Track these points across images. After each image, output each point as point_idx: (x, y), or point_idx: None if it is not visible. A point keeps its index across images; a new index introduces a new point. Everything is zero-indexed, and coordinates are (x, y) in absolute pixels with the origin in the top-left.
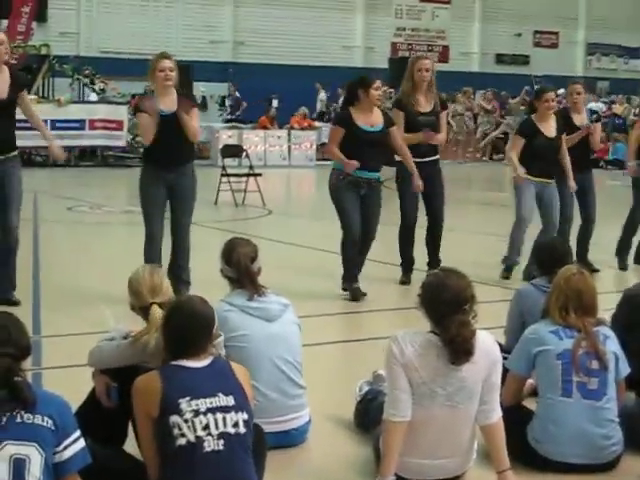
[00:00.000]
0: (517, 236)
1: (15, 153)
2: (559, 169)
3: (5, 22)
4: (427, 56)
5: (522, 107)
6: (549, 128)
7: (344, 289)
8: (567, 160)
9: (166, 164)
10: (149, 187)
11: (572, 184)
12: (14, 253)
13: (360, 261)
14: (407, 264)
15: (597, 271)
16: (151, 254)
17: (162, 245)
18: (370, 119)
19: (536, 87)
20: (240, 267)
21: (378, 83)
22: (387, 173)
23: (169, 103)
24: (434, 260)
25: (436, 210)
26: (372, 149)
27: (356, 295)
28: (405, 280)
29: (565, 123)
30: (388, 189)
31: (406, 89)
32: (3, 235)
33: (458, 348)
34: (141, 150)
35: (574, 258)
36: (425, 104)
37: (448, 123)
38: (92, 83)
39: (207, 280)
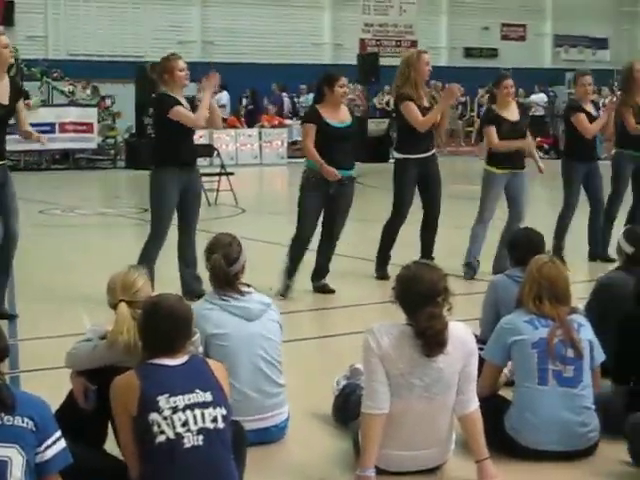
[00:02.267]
0: (479, 233)
1: (6, 162)
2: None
3: None
4: (426, 50)
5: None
6: (511, 113)
7: (285, 289)
8: (531, 144)
9: (185, 163)
10: (166, 188)
11: (541, 165)
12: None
13: (326, 262)
14: (385, 258)
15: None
16: (152, 254)
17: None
18: (338, 116)
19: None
20: (216, 271)
21: (343, 80)
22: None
23: (184, 102)
24: (428, 255)
25: (435, 205)
26: (342, 145)
27: (285, 291)
28: (384, 275)
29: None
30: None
31: (412, 82)
32: (5, 243)
33: (430, 340)
34: (111, 152)
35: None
36: (424, 99)
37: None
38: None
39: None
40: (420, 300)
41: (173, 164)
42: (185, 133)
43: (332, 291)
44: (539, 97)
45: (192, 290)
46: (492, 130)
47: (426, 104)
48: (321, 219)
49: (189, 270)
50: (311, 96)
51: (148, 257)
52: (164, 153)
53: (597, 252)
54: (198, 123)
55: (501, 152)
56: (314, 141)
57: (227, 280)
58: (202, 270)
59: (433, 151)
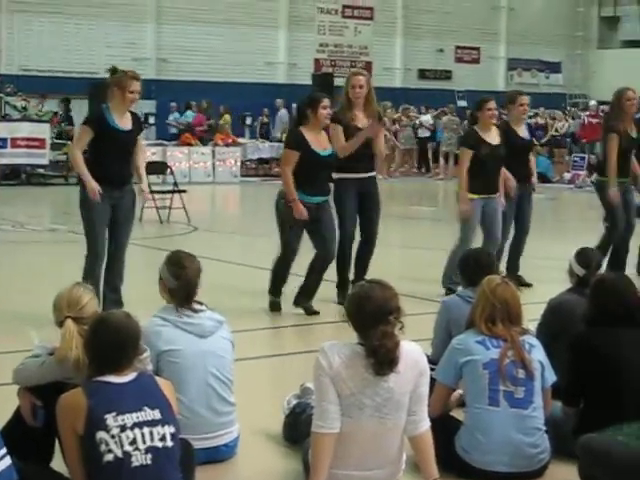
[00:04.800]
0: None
1: None
2: (499, 182)
3: None
4: (362, 72)
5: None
6: (492, 137)
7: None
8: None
9: (114, 181)
10: (95, 204)
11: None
12: None
13: (317, 285)
14: (345, 283)
15: (529, 285)
16: (95, 274)
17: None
18: (322, 142)
19: (459, 102)
20: (187, 286)
21: (326, 102)
22: None
23: (126, 121)
24: (361, 277)
25: (372, 227)
26: (324, 173)
27: (276, 307)
28: (343, 301)
29: (506, 136)
30: None
31: (344, 105)
32: None
33: (381, 358)
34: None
35: (502, 270)
36: (363, 119)
37: (385, 136)
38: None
39: (138, 298)
40: (371, 319)
41: (102, 180)
42: (111, 151)
43: (316, 312)
44: (426, 118)
45: None
46: (466, 154)
47: (360, 124)
48: (307, 242)
49: (111, 295)
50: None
51: (91, 274)
52: (93, 168)
53: None
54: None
55: (477, 177)
56: (298, 166)
57: (191, 296)
58: (125, 293)
59: (373, 173)
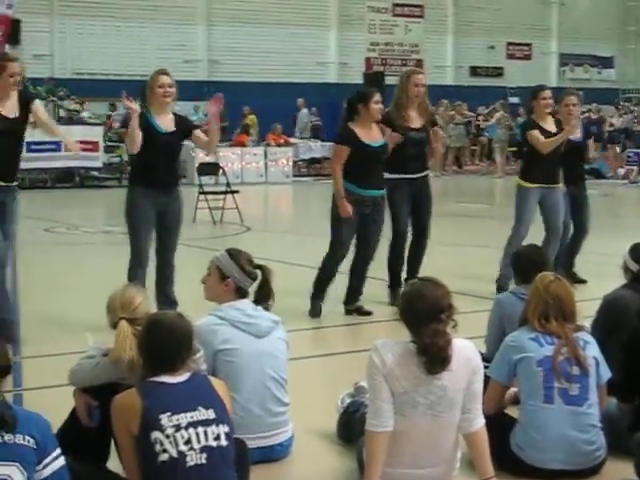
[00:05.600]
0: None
1: (16, 183)
2: (562, 171)
3: None
4: (421, 70)
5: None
6: (550, 126)
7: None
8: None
9: (159, 185)
10: (139, 206)
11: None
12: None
13: (361, 284)
14: (398, 283)
15: (584, 282)
16: (137, 276)
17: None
18: (372, 135)
19: (511, 99)
20: (269, 281)
21: (377, 97)
22: None
23: (168, 122)
24: (413, 276)
25: (424, 226)
26: (377, 165)
27: (316, 312)
28: (396, 301)
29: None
30: None
31: (399, 104)
32: None
33: (433, 357)
34: (128, 169)
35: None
36: (416, 120)
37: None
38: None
39: (191, 299)
40: (423, 317)
41: (146, 184)
42: (155, 154)
43: (369, 313)
44: None
45: None
46: (536, 133)
47: (416, 125)
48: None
49: (164, 300)
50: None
51: (134, 277)
52: (137, 171)
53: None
54: (130, 149)
55: (536, 166)
56: (350, 161)
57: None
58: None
59: (425, 173)
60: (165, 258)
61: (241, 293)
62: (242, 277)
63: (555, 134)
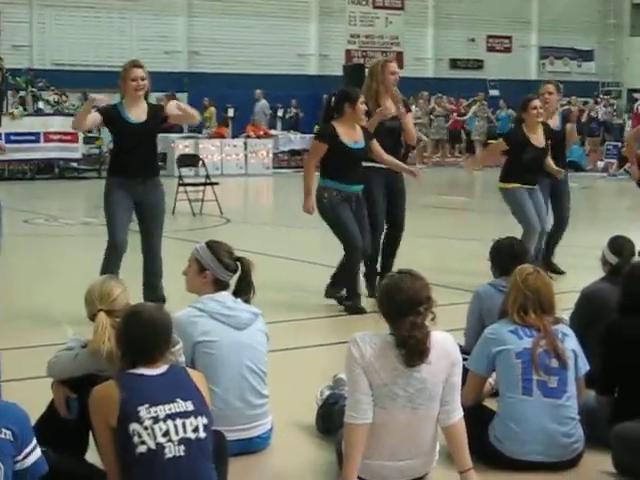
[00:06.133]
0: (531, 247)
1: None
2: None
3: None
4: (392, 58)
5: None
6: (538, 139)
7: (341, 303)
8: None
9: (134, 175)
10: (115, 195)
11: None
12: None
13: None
14: (373, 274)
15: (563, 273)
16: (110, 265)
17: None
18: (353, 135)
19: (491, 92)
20: (249, 274)
21: (363, 98)
22: None
23: (139, 113)
24: (388, 267)
25: (398, 217)
26: (356, 165)
27: (359, 310)
28: (374, 293)
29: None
30: None
31: (373, 93)
32: None
33: (411, 350)
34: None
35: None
36: (391, 106)
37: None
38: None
39: (172, 291)
40: (402, 309)
41: (121, 174)
42: (128, 144)
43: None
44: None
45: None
46: (500, 144)
47: (391, 113)
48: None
49: (151, 295)
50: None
51: (107, 271)
52: (113, 162)
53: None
54: (74, 125)
55: (516, 167)
56: (328, 158)
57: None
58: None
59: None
60: (147, 249)
61: (220, 285)
62: (220, 269)
63: (542, 149)
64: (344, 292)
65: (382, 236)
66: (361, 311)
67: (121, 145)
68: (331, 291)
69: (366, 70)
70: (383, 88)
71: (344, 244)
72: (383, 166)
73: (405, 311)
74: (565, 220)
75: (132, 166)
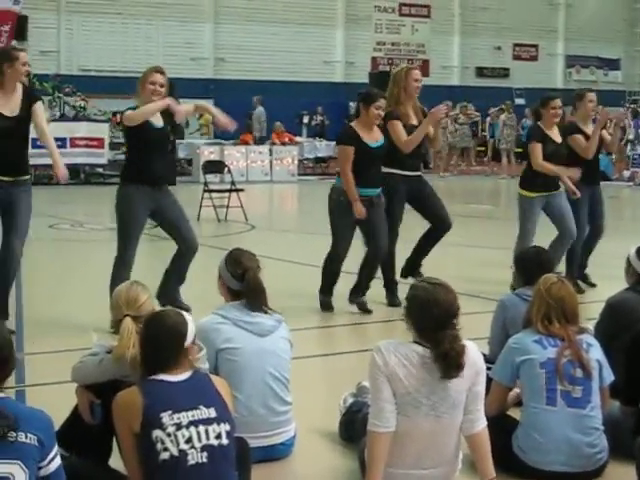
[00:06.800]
0: None
1: (27, 177)
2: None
3: None
4: (416, 67)
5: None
6: (555, 135)
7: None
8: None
9: (156, 181)
10: (134, 206)
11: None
12: (10, 284)
13: (367, 280)
14: (392, 282)
15: (594, 286)
16: (122, 277)
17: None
18: (372, 135)
19: (517, 100)
20: (252, 284)
21: (381, 102)
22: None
23: (157, 118)
24: (416, 263)
25: (442, 212)
26: (376, 165)
27: (327, 306)
28: (394, 302)
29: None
30: None
31: (398, 100)
32: (3, 262)
33: (451, 362)
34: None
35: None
36: (413, 117)
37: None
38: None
39: (195, 297)
40: (437, 322)
41: (142, 180)
42: (147, 150)
43: (368, 311)
44: None
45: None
46: (538, 148)
47: (414, 122)
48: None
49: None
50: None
51: (119, 280)
52: (132, 167)
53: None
54: (136, 115)
55: (537, 174)
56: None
57: (261, 293)
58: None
59: (420, 172)
60: (190, 251)
61: (234, 293)
62: (227, 277)
63: (559, 144)
64: (365, 298)
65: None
66: (328, 307)
67: (142, 151)
68: (352, 297)
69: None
70: (405, 95)
71: (332, 246)
72: (404, 173)
73: (442, 324)
74: (600, 228)
75: (154, 173)
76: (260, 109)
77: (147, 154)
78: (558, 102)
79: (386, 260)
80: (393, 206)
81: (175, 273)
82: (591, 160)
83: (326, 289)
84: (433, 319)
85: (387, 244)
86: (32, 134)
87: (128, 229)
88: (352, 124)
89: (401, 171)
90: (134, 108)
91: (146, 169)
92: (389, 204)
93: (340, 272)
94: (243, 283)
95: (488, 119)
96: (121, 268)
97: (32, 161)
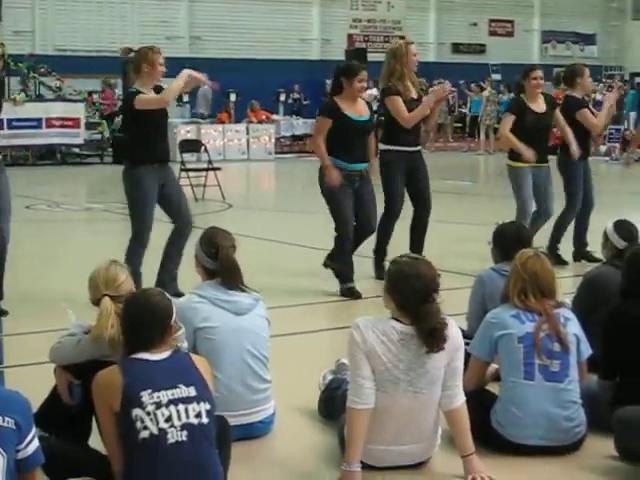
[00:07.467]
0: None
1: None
2: (548, 150)
3: None
4: (412, 41)
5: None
6: (539, 105)
7: (337, 276)
8: (567, 130)
9: (164, 158)
10: (147, 187)
11: (574, 149)
12: (3, 265)
13: (353, 250)
14: (383, 256)
15: (599, 260)
16: (138, 258)
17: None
18: (357, 108)
19: (493, 76)
20: (226, 262)
21: (363, 74)
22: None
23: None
24: (419, 249)
25: (426, 198)
26: (361, 139)
27: (353, 294)
28: (382, 275)
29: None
30: None
31: (401, 75)
32: None
33: (437, 336)
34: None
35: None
36: (413, 91)
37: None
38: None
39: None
40: (418, 297)
41: (152, 159)
42: (157, 129)
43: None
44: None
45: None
46: (509, 119)
47: (414, 96)
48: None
49: (172, 284)
50: None
51: (134, 259)
52: (141, 146)
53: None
54: (164, 99)
55: (527, 146)
56: (333, 134)
57: (235, 272)
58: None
59: (419, 147)
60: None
61: (209, 272)
62: (201, 255)
63: (543, 114)
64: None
65: (396, 221)
66: (356, 295)
67: (146, 130)
68: (327, 261)
69: (367, 54)
70: (406, 70)
71: (336, 228)
72: (405, 149)
73: (424, 298)
74: (592, 201)
75: (160, 151)
76: (206, 87)
77: (153, 133)
78: (539, 72)
79: (386, 234)
80: (390, 183)
81: (174, 253)
82: (583, 135)
83: (346, 277)
84: (415, 292)
85: (376, 218)
86: (4, 115)
87: (144, 211)
88: (335, 97)
89: (400, 147)
90: (135, 91)
91: (154, 148)
92: (386, 180)
93: (353, 251)
94: (217, 262)
95: (469, 96)
96: (138, 249)
97: (8, 142)
